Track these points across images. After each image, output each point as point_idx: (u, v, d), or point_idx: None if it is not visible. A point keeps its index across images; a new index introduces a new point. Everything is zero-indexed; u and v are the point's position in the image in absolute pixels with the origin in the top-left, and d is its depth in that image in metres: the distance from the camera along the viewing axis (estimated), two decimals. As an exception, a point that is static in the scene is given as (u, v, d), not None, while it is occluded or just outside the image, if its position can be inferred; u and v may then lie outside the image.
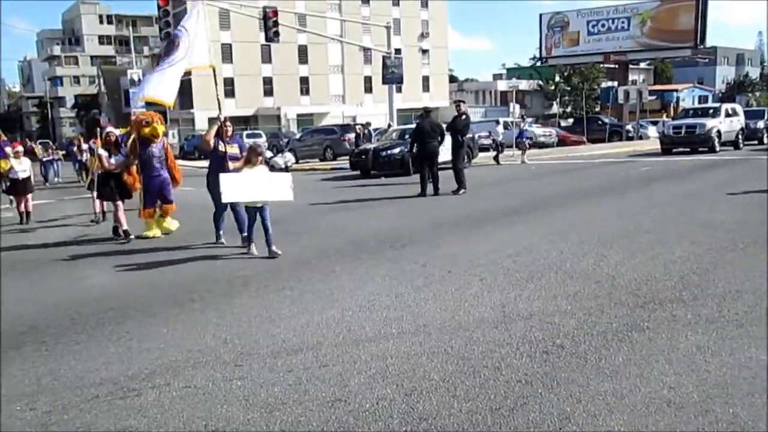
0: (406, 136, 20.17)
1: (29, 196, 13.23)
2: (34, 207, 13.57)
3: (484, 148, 23.94)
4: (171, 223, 10.22)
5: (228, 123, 8.59)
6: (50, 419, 3.58)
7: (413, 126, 18.06)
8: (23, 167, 13.26)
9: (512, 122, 29.89)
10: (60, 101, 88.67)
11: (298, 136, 35.18)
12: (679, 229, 8.17)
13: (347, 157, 22.80)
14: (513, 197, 12.32)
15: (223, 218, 8.68)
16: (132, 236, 9.64)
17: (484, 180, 16.69)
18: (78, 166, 22.64)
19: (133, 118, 9.85)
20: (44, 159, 25.40)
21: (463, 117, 14.14)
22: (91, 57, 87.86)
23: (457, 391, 3.62)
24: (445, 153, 14.47)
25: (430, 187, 13.53)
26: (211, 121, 9.01)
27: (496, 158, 22.70)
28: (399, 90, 32.78)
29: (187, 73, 8.91)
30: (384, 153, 19.49)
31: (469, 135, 17.21)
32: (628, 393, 3.49)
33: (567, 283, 5.80)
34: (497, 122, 25.37)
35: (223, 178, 7.41)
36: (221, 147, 8.38)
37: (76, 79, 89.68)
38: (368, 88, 62.41)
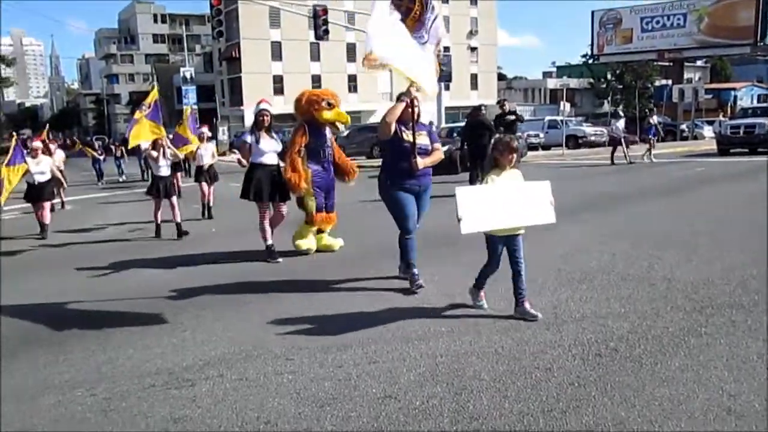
0: (454, 135, 20.09)
1: (47, 204, 10.79)
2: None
3: (533, 147, 23.62)
4: (333, 240, 8.06)
5: (417, 99, 5.75)
6: (109, 405, 3.69)
7: (461, 124, 17.97)
8: (41, 168, 10.72)
9: (562, 121, 29.51)
10: (116, 98, 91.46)
11: (345, 133, 35.37)
12: (738, 232, 7.91)
13: None
14: (565, 196, 12.08)
15: (413, 242, 5.94)
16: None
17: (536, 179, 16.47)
18: (145, 165, 22.01)
19: (304, 96, 7.74)
20: (98, 156, 24.17)
21: (509, 116, 14.03)
22: (146, 55, 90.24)
23: (507, 392, 3.59)
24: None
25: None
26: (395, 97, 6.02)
27: (612, 157, 20.49)
28: (447, 88, 32.67)
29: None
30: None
31: (519, 133, 17.02)
32: (686, 399, 3.40)
33: (620, 285, 5.68)
34: (618, 116, 21.85)
35: (462, 193, 4.67)
36: (406, 135, 5.76)
37: (131, 77, 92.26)
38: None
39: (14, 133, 11.32)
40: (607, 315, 4.86)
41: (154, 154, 9.91)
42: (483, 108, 15.51)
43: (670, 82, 48.86)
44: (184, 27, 70.44)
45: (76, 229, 11.35)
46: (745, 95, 57.91)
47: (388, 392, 3.66)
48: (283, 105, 55.13)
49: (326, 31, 24.16)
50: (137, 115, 9.99)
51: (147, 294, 6.28)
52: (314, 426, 3.33)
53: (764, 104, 38.58)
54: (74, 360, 4.48)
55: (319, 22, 23.92)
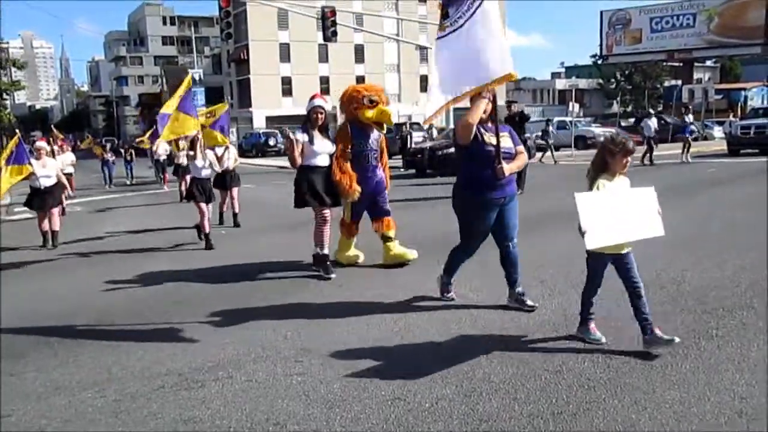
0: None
1: (55, 210, 9.91)
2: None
3: (541, 148, 23.54)
4: (406, 250, 7.12)
5: (490, 97, 4.96)
6: (119, 407, 3.71)
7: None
8: (47, 171, 9.81)
9: (570, 122, 29.40)
10: (125, 100, 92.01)
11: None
12: (748, 234, 7.85)
13: (399, 157, 22.93)
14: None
15: (465, 262, 5.48)
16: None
17: (548, 179, 16.43)
18: (156, 166, 22.32)
19: (346, 93, 7.03)
20: (107, 158, 23.69)
21: (517, 118, 13.99)
22: (155, 57, 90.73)
23: (517, 394, 3.58)
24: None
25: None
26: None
27: (648, 157, 20.11)
28: (455, 89, 32.56)
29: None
30: (440, 152, 19.42)
31: (527, 135, 16.96)
32: (697, 402, 3.38)
33: (630, 287, 5.64)
34: (650, 115, 21.47)
35: (583, 199, 3.98)
36: (487, 137, 4.92)
37: (140, 79, 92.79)
38: (424, 87, 61.91)
39: (17, 131, 10.27)
40: (618, 318, 4.83)
41: (191, 153, 9.10)
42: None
43: (679, 82, 48.61)
44: (192, 29, 70.62)
45: (84, 237, 11.37)
46: (756, 95, 57.47)
47: (398, 394, 3.66)
48: (292, 107, 55.48)
49: (334, 33, 24.19)
50: (168, 108, 8.55)
51: (156, 296, 6.32)
52: (323, 427, 3.34)
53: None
54: (84, 361, 4.50)
55: (328, 23, 23.95)
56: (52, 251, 9.35)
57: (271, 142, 42.39)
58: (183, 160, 16.14)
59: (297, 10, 32.84)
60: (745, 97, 54.54)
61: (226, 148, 10.55)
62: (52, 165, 10.21)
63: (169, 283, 6.84)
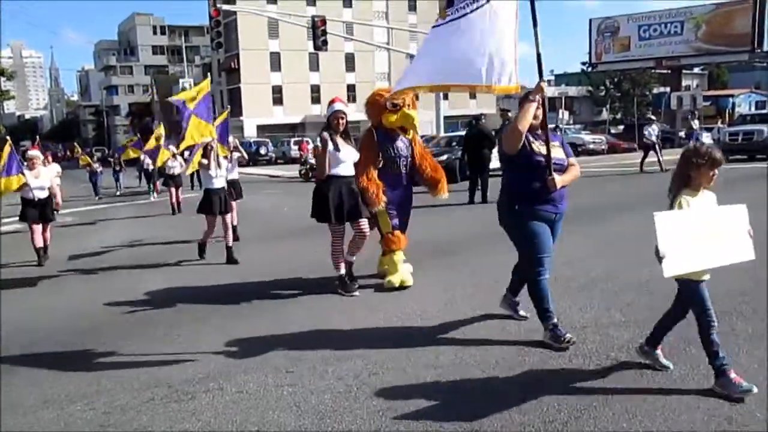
0: (453, 143, 20.12)
1: (48, 226, 9.35)
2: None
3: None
4: (404, 270, 6.52)
5: (539, 100, 4.50)
6: (108, 420, 3.68)
7: (461, 133, 17.99)
8: (41, 182, 9.13)
9: (559, 128, 29.56)
10: (115, 109, 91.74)
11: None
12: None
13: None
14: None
15: (547, 282, 4.64)
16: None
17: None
18: (143, 175, 21.99)
19: (369, 98, 6.81)
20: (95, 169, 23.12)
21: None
22: (145, 66, 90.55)
23: (508, 403, 3.57)
24: (495, 161, 14.39)
25: (478, 195, 13.49)
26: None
27: (659, 162, 19.50)
28: (446, 97, 32.73)
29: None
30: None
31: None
32: (687, 409, 3.39)
33: (621, 294, 5.68)
34: (651, 121, 20.75)
35: (663, 219, 3.59)
36: (537, 146, 4.49)
37: (131, 88, 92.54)
38: (415, 96, 62.49)
39: (7, 139, 9.46)
40: (609, 324, 4.86)
41: (205, 161, 8.50)
42: (483, 117, 15.55)
43: (668, 89, 48.96)
44: (183, 38, 70.71)
45: (75, 251, 11.30)
46: (743, 102, 58.06)
47: (389, 404, 3.65)
48: (283, 116, 55.51)
49: (325, 42, 24.23)
50: (189, 102, 7.92)
51: (146, 307, 6.29)
52: (314, 439, 3.32)
53: (763, 111, 38.65)
54: (73, 374, 4.46)
55: (318, 32, 23.99)
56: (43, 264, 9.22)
57: (263, 150, 42.33)
58: (175, 170, 15.86)
59: (287, 20, 32.92)
60: (733, 104, 55.08)
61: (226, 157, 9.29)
62: (46, 175, 9.52)
63: (158, 294, 6.81)
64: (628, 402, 3.50)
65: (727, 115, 48.71)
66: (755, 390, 3.45)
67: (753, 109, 52.14)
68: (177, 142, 16.20)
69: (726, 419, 3.25)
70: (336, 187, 6.04)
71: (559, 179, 4.41)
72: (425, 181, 6.83)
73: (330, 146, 5.98)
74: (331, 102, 6.37)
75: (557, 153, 4.55)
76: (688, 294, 3.71)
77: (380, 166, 6.39)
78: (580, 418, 3.35)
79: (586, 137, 33.95)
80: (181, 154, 13.97)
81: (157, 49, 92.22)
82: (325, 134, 6.00)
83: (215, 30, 23.32)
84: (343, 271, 6.34)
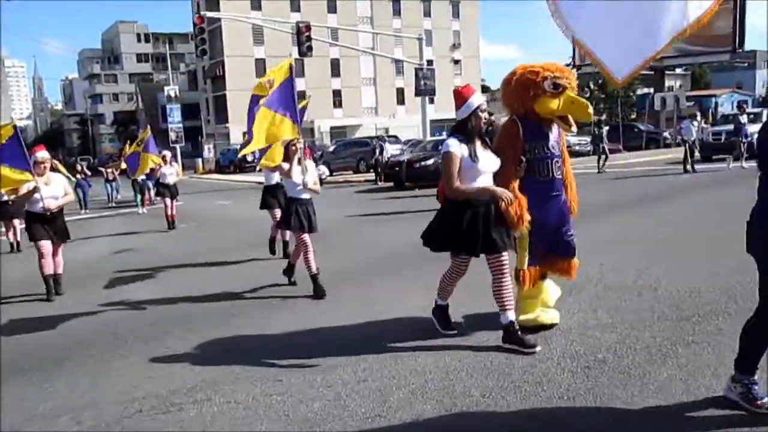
0: (440, 148, 20.19)
1: (61, 247, 7.74)
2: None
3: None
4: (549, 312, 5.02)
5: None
6: (96, 434, 3.64)
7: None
8: (53, 191, 7.51)
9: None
10: (100, 118, 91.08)
11: (331, 148, 35.44)
12: (723, 239, 7.95)
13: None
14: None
15: None
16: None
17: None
18: (134, 186, 20.02)
19: (514, 75, 4.68)
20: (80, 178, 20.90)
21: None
22: (130, 74, 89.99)
23: (498, 407, 3.58)
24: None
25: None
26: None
27: (690, 163, 19.01)
28: (432, 101, 32.76)
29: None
30: (417, 164, 19.50)
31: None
32: (675, 410, 3.41)
33: (608, 295, 5.70)
34: (689, 117, 19.67)
35: None
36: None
37: (115, 97, 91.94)
38: (401, 100, 62.69)
39: (12, 118, 7.92)
40: (596, 326, 4.87)
41: (285, 166, 6.65)
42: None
43: (652, 90, 49.33)
44: (167, 46, 70.19)
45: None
46: (726, 101, 58.64)
47: (378, 411, 3.64)
48: (269, 121, 55.32)
49: (310, 48, 24.20)
50: (262, 93, 6.30)
51: (132, 318, 6.24)
52: (304, 448, 3.30)
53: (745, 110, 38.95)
54: (59, 387, 4.42)
55: (303, 38, 23.96)
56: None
57: (249, 158, 42.09)
58: (170, 179, 13.92)
59: (272, 26, 32.88)
60: (716, 104, 55.59)
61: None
62: (59, 182, 7.69)
63: (145, 305, 6.76)
64: (617, 404, 3.51)
65: (710, 114, 49.11)
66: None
67: (735, 108, 52.66)
68: (161, 147, 16.16)
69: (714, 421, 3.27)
70: (473, 209, 4.48)
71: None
72: None
73: (465, 153, 4.43)
74: (462, 93, 4.57)
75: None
76: None
77: (523, 173, 4.63)
78: (570, 421, 3.36)
79: (571, 139, 34.07)
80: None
81: (141, 57, 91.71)
82: (452, 148, 4.44)
83: (199, 37, 23.23)
84: (445, 302, 5.05)
